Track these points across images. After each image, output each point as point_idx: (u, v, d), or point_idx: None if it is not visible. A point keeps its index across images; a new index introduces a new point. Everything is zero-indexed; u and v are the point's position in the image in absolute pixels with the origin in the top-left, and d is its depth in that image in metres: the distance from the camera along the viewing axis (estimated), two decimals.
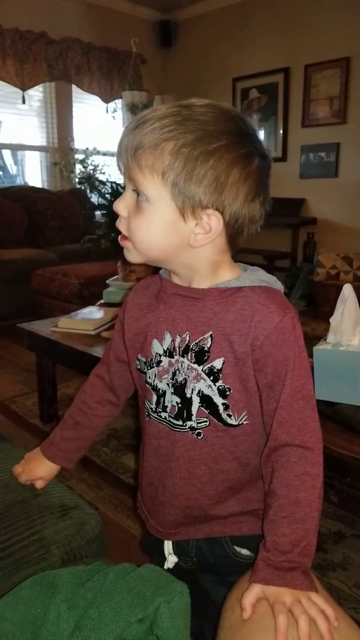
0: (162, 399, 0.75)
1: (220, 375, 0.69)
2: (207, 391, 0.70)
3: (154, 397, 0.76)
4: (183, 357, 0.71)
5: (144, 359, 0.76)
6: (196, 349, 0.70)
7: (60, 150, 4.57)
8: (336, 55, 3.94)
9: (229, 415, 0.71)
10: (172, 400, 0.73)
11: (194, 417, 0.72)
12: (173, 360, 0.72)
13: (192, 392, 0.71)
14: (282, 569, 0.63)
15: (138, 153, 0.63)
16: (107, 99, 4.77)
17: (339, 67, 3.97)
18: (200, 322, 0.70)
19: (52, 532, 0.79)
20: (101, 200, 4.42)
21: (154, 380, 0.75)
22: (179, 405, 0.72)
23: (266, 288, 0.69)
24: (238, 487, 0.75)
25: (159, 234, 0.65)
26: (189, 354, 0.71)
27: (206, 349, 0.69)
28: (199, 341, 0.70)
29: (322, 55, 4.02)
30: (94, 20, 4.53)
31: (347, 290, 1.09)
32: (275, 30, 4.27)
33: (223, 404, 0.70)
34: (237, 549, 0.77)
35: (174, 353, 0.72)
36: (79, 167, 4.53)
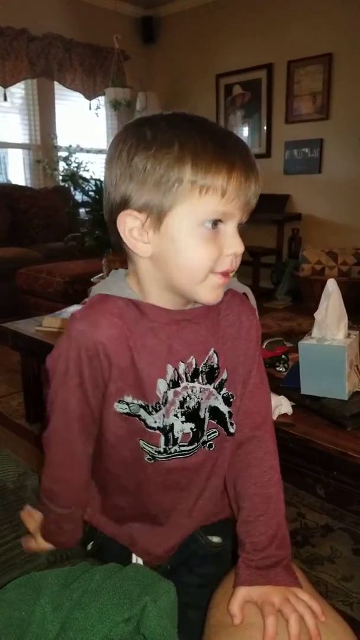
0: (170, 434, 0.69)
1: (225, 383, 0.70)
2: (214, 403, 0.70)
3: (162, 438, 0.68)
4: (193, 381, 0.68)
5: (138, 402, 0.66)
6: (206, 370, 0.68)
7: (44, 148, 4.52)
8: (319, 51, 3.96)
9: (232, 424, 0.72)
10: (183, 429, 0.69)
11: (205, 431, 0.70)
12: (179, 389, 0.67)
13: (204, 411, 0.70)
14: (263, 567, 0.64)
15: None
16: (90, 96, 4.74)
17: (321, 63, 3.98)
18: (199, 342, 0.68)
19: None
20: (85, 198, 4.39)
21: (162, 421, 0.67)
22: (194, 430, 0.69)
23: (230, 289, 0.72)
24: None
25: None
26: (199, 377, 0.68)
27: (215, 366, 0.69)
28: (207, 361, 0.68)
29: (305, 52, 4.03)
30: (76, 16, 4.48)
31: (331, 285, 1.09)
32: (258, 27, 4.27)
33: (228, 412, 0.71)
34: (210, 537, 0.77)
35: (180, 381, 0.67)
36: (62, 165, 4.49)
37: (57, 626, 0.54)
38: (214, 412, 0.70)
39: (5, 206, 3.92)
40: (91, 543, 0.79)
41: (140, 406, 0.66)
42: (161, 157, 0.56)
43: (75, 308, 2.14)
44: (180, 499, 0.73)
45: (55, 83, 4.52)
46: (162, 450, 0.69)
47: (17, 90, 4.36)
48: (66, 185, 4.31)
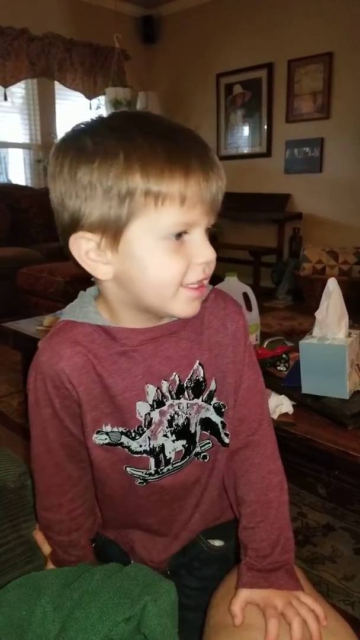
0: (161, 455, 0.66)
1: (215, 393, 0.67)
2: (205, 414, 0.67)
3: (151, 461, 0.66)
4: (179, 398, 0.64)
5: (119, 430, 0.63)
6: (192, 385, 0.65)
7: (44, 148, 4.52)
8: (319, 50, 3.95)
9: (226, 435, 0.69)
10: (175, 448, 0.66)
11: (197, 443, 0.68)
12: (165, 408, 0.64)
13: (195, 425, 0.67)
14: (265, 570, 0.63)
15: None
16: (90, 96, 4.74)
17: (321, 62, 3.98)
18: (182, 355, 0.63)
19: None
20: None
21: (148, 444, 0.64)
22: (185, 446, 0.67)
23: (214, 289, 0.67)
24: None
25: None
26: (185, 392, 0.64)
27: (201, 379, 0.65)
28: (192, 375, 0.64)
29: (305, 51, 4.03)
30: (76, 16, 4.48)
31: (332, 284, 1.09)
32: (258, 26, 4.27)
33: (221, 422, 0.68)
34: (211, 542, 0.75)
35: (165, 399, 0.63)
36: None
37: (58, 626, 0.54)
38: (206, 423, 0.68)
39: (5, 206, 3.92)
40: (92, 545, 0.78)
41: (122, 433, 0.63)
42: (107, 168, 0.50)
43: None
44: (180, 510, 0.72)
45: (56, 83, 4.53)
46: (152, 472, 0.66)
47: (18, 90, 4.36)
48: None
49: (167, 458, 0.66)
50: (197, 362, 0.65)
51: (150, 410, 0.63)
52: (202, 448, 0.69)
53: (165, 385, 0.63)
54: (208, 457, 0.70)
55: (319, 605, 0.60)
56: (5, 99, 4.18)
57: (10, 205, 3.95)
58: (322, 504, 1.50)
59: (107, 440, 0.64)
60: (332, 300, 1.08)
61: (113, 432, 0.63)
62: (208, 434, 0.69)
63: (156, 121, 0.55)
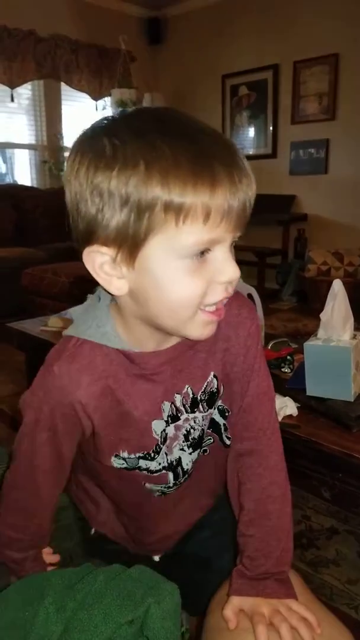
0: (179, 468, 0.65)
1: (221, 396, 0.67)
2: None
3: (170, 476, 0.65)
4: (193, 412, 0.63)
5: (137, 455, 0.62)
6: (206, 397, 0.63)
7: (50, 148, 4.54)
8: (325, 51, 3.94)
9: (228, 437, 0.69)
10: (192, 459, 0.66)
11: (204, 442, 0.69)
12: (180, 422, 0.62)
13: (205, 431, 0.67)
14: (254, 579, 0.63)
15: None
16: (96, 97, 4.74)
17: (327, 63, 3.97)
18: (197, 367, 0.62)
19: None
20: None
21: (165, 460, 0.64)
22: (199, 453, 0.68)
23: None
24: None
25: None
26: (200, 405, 0.63)
27: (215, 390, 0.64)
28: (206, 387, 0.63)
29: (311, 52, 4.02)
30: (82, 17, 4.49)
31: (337, 285, 1.08)
32: (264, 27, 4.26)
33: (224, 424, 0.68)
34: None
35: (179, 414, 0.62)
36: None
37: (61, 627, 0.54)
38: (211, 422, 0.68)
39: (11, 206, 3.93)
40: (93, 529, 0.79)
41: (139, 458, 0.62)
42: (126, 178, 0.46)
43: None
44: (179, 502, 0.73)
45: (62, 84, 4.53)
46: (171, 485, 0.66)
47: (24, 91, 4.38)
48: None
49: (185, 470, 0.66)
50: (212, 374, 0.63)
51: (166, 427, 0.62)
52: (204, 444, 0.69)
53: (178, 399, 0.61)
54: (208, 451, 0.70)
55: (311, 613, 0.59)
56: (12, 100, 4.20)
57: (16, 205, 3.96)
58: (327, 507, 1.49)
59: (125, 465, 0.62)
60: (337, 302, 1.07)
61: (130, 458, 0.62)
62: (211, 431, 0.69)
63: (179, 122, 0.49)
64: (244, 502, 0.68)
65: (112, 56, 4.71)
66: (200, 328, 0.53)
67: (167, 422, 0.61)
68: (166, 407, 0.61)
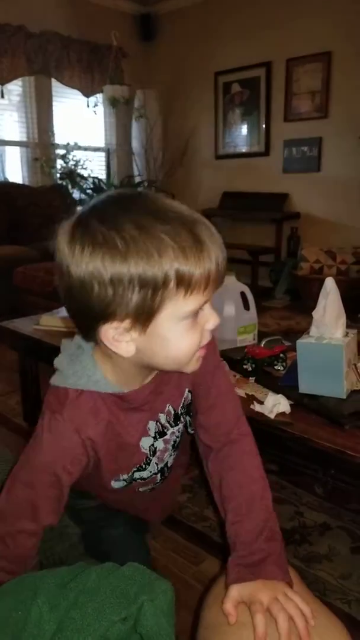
0: (165, 469, 0.80)
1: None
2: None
3: (159, 476, 0.79)
4: (177, 424, 0.76)
5: (132, 471, 0.76)
6: (184, 410, 0.77)
7: (41, 146, 4.50)
8: (317, 49, 3.95)
9: (190, 430, 0.83)
10: (174, 457, 0.81)
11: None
12: (168, 437, 0.76)
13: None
14: (251, 563, 0.65)
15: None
16: (88, 93, 4.72)
17: (320, 61, 3.98)
18: (173, 387, 0.74)
19: None
20: (83, 196, 4.37)
21: (156, 468, 0.78)
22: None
23: None
24: None
25: None
26: (181, 417, 0.77)
27: (189, 401, 0.77)
28: (183, 402, 0.76)
29: (304, 50, 4.02)
30: (74, 13, 4.46)
31: (329, 284, 1.09)
32: (257, 25, 4.26)
33: (188, 421, 0.81)
34: None
35: (165, 429, 0.75)
36: (60, 163, 4.47)
37: (54, 626, 0.54)
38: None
39: (2, 204, 3.90)
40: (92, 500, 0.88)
41: (134, 471, 0.74)
42: (142, 269, 0.55)
43: None
44: (164, 485, 0.85)
45: (53, 80, 4.50)
46: (159, 481, 0.79)
47: (15, 88, 4.34)
48: (64, 183, 4.30)
49: (169, 467, 0.79)
50: (187, 390, 0.75)
51: (154, 441, 0.73)
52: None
53: (163, 417, 0.73)
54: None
55: (307, 604, 0.61)
56: (2, 96, 4.16)
57: (7, 203, 3.93)
58: (319, 503, 1.50)
59: (124, 484, 0.75)
60: (330, 300, 1.08)
61: (125, 477, 0.74)
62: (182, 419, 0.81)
63: (174, 211, 0.57)
64: (229, 490, 0.73)
65: (103, 52, 4.69)
66: (195, 364, 0.65)
67: (154, 437, 0.73)
68: (152, 425, 0.73)
